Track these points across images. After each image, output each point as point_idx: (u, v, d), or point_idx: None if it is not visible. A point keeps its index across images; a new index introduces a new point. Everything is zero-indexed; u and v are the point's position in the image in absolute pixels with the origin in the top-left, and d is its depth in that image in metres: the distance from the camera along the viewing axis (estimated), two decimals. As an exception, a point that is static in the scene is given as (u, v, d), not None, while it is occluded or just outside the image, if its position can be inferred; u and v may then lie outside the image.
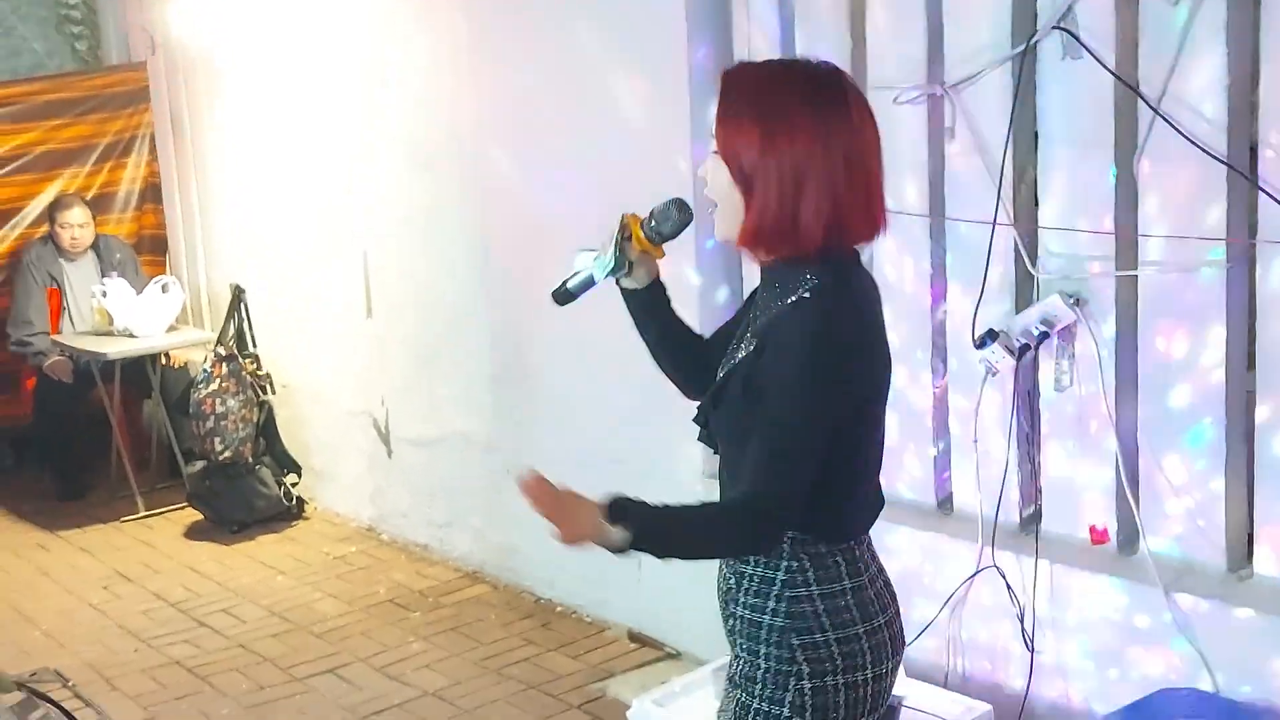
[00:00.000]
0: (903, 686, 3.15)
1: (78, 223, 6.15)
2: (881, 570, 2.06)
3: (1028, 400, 3.22)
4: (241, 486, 5.64)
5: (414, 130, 4.94)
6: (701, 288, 3.85)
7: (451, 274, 4.89)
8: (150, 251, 6.74)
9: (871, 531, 2.06)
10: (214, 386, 5.61)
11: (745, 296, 2.20)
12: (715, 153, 1.92)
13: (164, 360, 6.19)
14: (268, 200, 5.91)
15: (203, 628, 4.67)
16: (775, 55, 3.60)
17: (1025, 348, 3.11)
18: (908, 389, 3.41)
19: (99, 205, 6.46)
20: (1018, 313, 3.17)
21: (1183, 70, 2.79)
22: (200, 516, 5.72)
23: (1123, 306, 3.02)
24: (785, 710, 1.95)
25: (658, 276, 2.15)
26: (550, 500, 1.88)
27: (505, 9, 4.44)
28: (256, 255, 6.03)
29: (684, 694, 3.28)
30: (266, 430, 5.78)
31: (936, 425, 3.44)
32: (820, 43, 3.49)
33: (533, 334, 4.54)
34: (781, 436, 1.85)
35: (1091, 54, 2.91)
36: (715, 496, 2.06)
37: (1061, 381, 3.11)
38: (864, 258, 3.41)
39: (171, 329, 6.09)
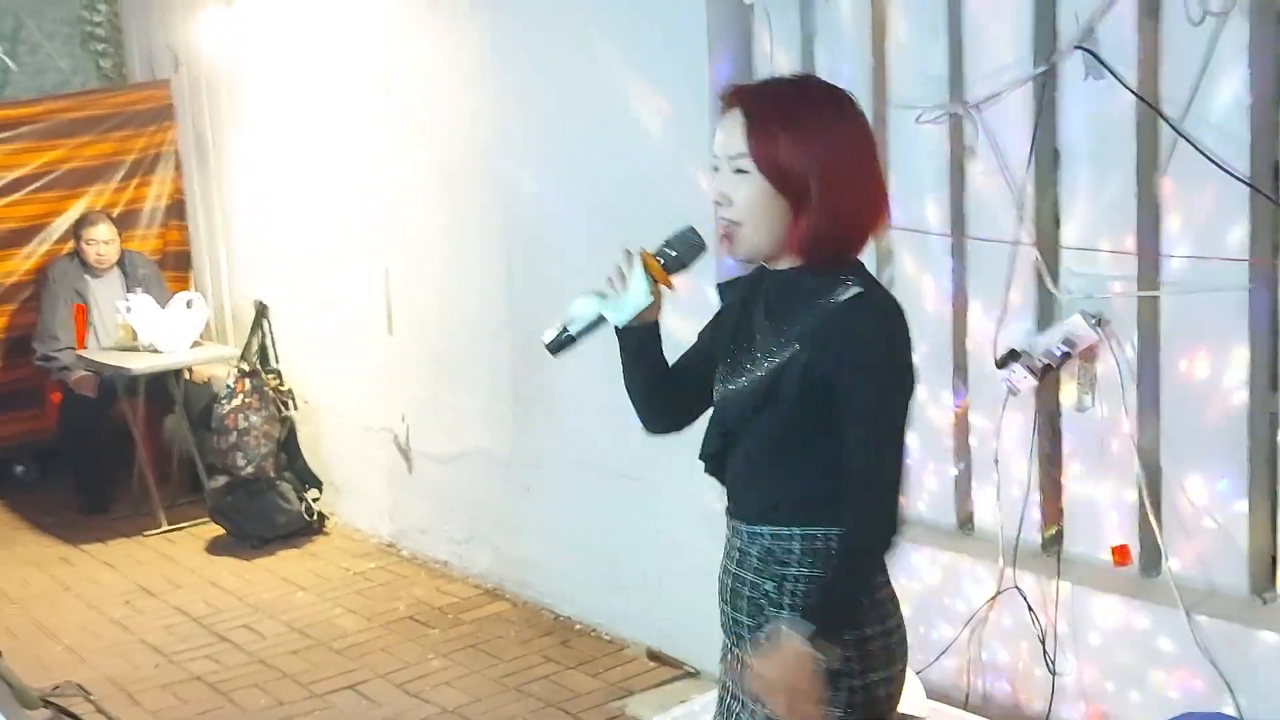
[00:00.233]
0: (923, 707, 3.14)
1: (103, 239, 6.21)
2: None
3: (1049, 420, 3.21)
4: (263, 502, 5.66)
5: (436, 147, 4.97)
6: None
7: (472, 290, 4.90)
8: (174, 267, 6.79)
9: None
10: (237, 402, 5.65)
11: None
12: (739, 171, 1.93)
13: (187, 375, 6.23)
14: (290, 216, 5.94)
15: (224, 643, 4.69)
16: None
17: (1047, 368, 3.10)
18: (928, 408, 3.40)
19: (124, 222, 6.52)
20: (1039, 332, 3.15)
21: (1205, 90, 2.78)
22: (222, 531, 5.75)
23: (1145, 327, 3.00)
24: (839, 711, 1.95)
25: (658, 313, 2.13)
26: (785, 695, 1.89)
27: (527, 27, 4.46)
28: (279, 271, 6.06)
29: (703, 713, 3.27)
30: (288, 446, 5.81)
31: (957, 445, 3.42)
32: (842, 61, 3.50)
33: (553, 351, 4.53)
34: (885, 425, 1.93)
35: (1113, 74, 2.90)
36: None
37: (1083, 402, 3.10)
38: (884, 278, 3.45)
39: (195, 345, 6.14)
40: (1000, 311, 3.18)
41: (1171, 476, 2.98)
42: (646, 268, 2.06)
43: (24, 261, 6.49)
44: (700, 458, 2.12)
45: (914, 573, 3.38)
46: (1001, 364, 3.14)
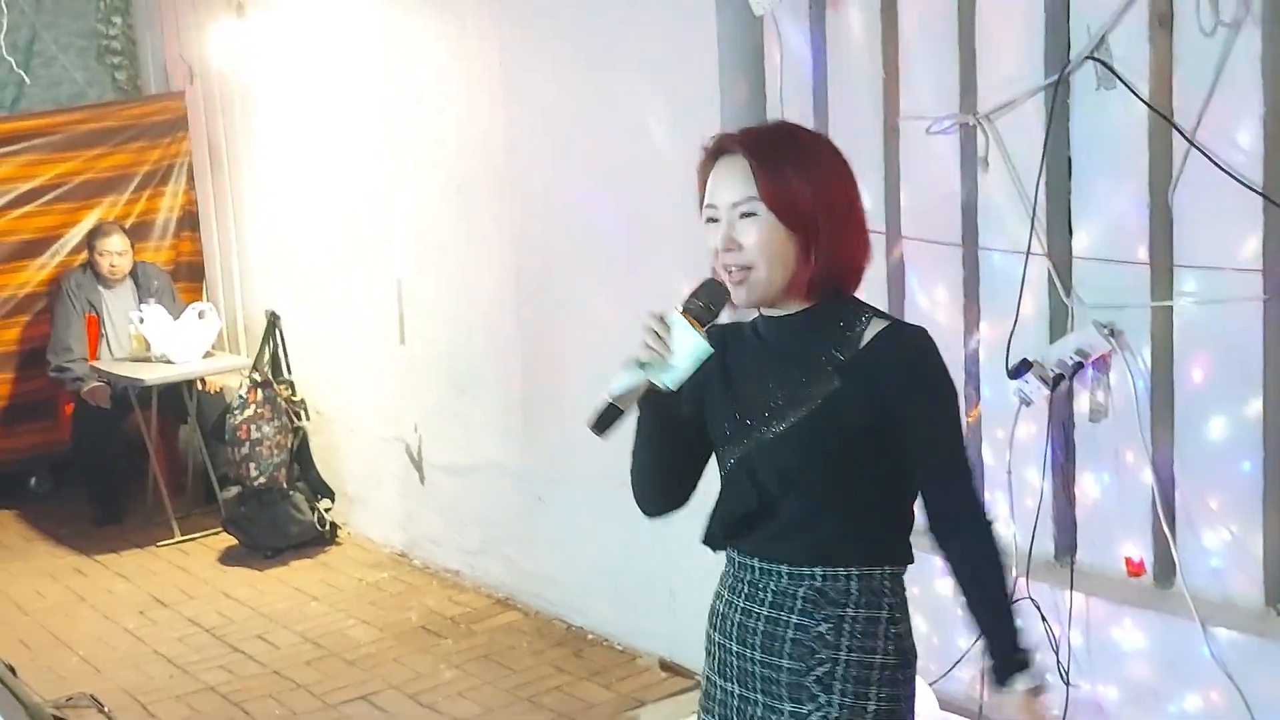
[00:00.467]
0: (937, 719, 3.13)
1: (116, 250, 6.22)
2: None
3: (1062, 431, 3.20)
4: (276, 512, 5.67)
5: (448, 159, 4.98)
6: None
7: (485, 302, 4.91)
8: (187, 278, 6.81)
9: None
10: (249, 412, 5.66)
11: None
12: (746, 215, 1.92)
13: (200, 386, 6.24)
14: (303, 227, 5.96)
15: (237, 653, 4.69)
16: (807, 88, 3.62)
17: (1060, 378, 3.09)
18: (941, 419, 3.39)
19: (137, 233, 6.54)
20: (1052, 342, 3.15)
21: (1218, 100, 2.77)
22: (234, 542, 5.76)
23: (1158, 337, 2.99)
24: (883, 705, 1.96)
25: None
26: None
27: (539, 40, 4.47)
28: (291, 282, 6.08)
29: (716, 725, 3.26)
30: (300, 456, 5.82)
31: (970, 455, 3.41)
32: (853, 73, 3.50)
33: (565, 361, 4.55)
34: (960, 446, 2.00)
35: (1125, 84, 2.90)
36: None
37: (1097, 412, 3.09)
38: (896, 289, 3.44)
39: (208, 355, 6.15)
40: (1012, 321, 3.17)
41: (1185, 487, 2.97)
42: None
43: (38, 273, 6.51)
44: (721, 526, 2.05)
45: (927, 584, 3.37)
46: (1014, 374, 3.14)
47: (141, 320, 6.06)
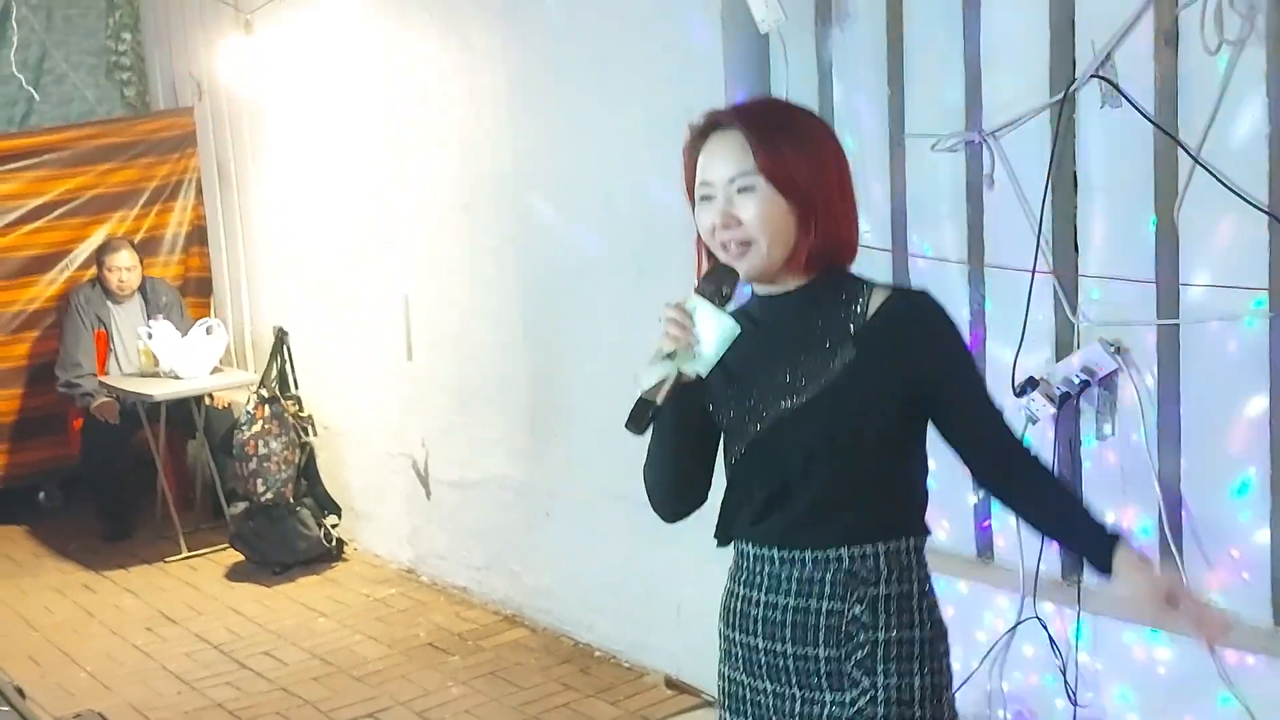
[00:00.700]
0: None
1: (125, 266, 6.24)
2: None
3: (1069, 449, 3.19)
4: (283, 528, 5.68)
5: (455, 175, 4.99)
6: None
7: (491, 318, 4.92)
8: (195, 294, 6.83)
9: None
10: (257, 428, 5.67)
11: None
12: (744, 190, 1.88)
13: (208, 401, 6.26)
14: (310, 243, 5.98)
15: (244, 670, 4.69)
16: (814, 103, 3.62)
17: (1066, 396, 3.09)
18: (947, 436, 3.38)
19: (146, 248, 6.56)
20: (1058, 360, 3.15)
21: (1223, 118, 2.77)
22: (242, 558, 5.76)
23: (1165, 355, 2.99)
24: (928, 679, 1.92)
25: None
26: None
27: (544, 54, 4.48)
28: (299, 297, 6.09)
29: (722, 744, 3.25)
30: (308, 471, 5.83)
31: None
32: (858, 90, 3.51)
33: (571, 377, 4.55)
34: (990, 394, 2.00)
35: (1131, 102, 2.90)
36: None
37: (1103, 430, 3.08)
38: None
39: (216, 370, 6.17)
40: (1018, 339, 3.17)
41: (1193, 506, 2.96)
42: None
43: (47, 288, 6.54)
44: (739, 513, 2.00)
45: (934, 601, 3.36)
46: (1020, 392, 3.13)
47: (150, 336, 6.08)
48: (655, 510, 2.08)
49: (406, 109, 5.17)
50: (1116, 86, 2.92)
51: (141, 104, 7.23)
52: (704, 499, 2.05)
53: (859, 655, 1.90)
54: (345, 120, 5.58)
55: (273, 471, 5.66)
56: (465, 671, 4.54)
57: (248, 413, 5.74)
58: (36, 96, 6.98)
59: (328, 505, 5.85)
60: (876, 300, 1.92)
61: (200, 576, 5.75)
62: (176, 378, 6.03)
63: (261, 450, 5.65)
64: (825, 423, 1.89)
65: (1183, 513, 2.99)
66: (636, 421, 1.85)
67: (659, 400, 1.85)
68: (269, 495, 5.65)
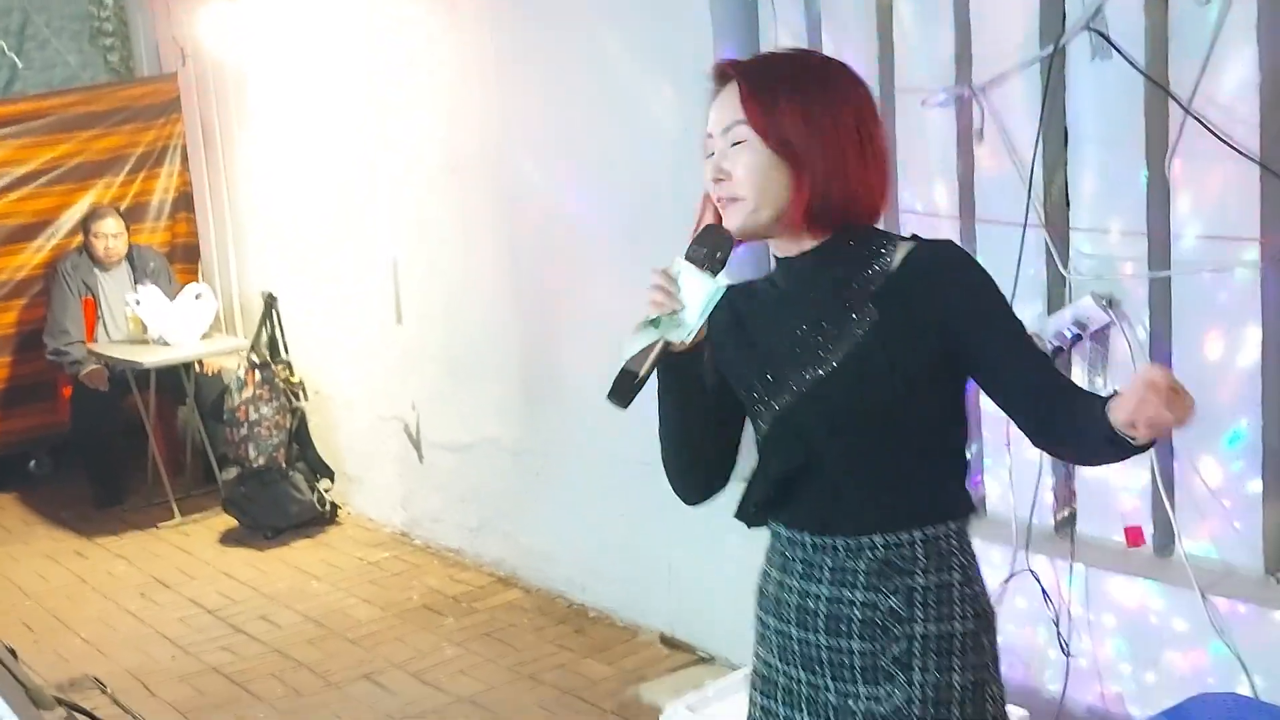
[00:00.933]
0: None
1: (112, 233, 6.21)
2: None
3: (1061, 402, 3.20)
4: (275, 492, 5.68)
5: (443, 138, 4.97)
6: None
7: (481, 280, 4.91)
8: (183, 260, 6.80)
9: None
10: (248, 394, 5.66)
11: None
12: (736, 143, 1.79)
13: (198, 368, 6.24)
14: (298, 208, 5.95)
15: (239, 634, 4.71)
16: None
17: (1058, 349, 3.09)
18: (939, 392, 3.39)
19: (132, 215, 6.52)
20: (1050, 314, 3.15)
21: (1214, 70, 2.76)
22: (235, 522, 5.77)
23: (1156, 307, 2.99)
24: (971, 663, 1.80)
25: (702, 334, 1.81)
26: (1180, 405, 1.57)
27: (532, 17, 4.45)
28: (288, 263, 6.07)
29: (717, 699, 3.28)
30: (299, 436, 5.83)
31: (969, 428, 3.41)
32: (847, 45, 3.49)
33: (562, 339, 4.55)
34: (1030, 340, 1.82)
35: (1122, 54, 2.89)
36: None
37: (1095, 383, 3.09)
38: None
39: (205, 337, 6.14)
40: (1010, 293, 3.17)
41: (1185, 457, 2.98)
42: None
43: (34, 256, 6.50)
44: (763, 494, 1.86)
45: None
46: (1012, 347, 3.13)
47: (138, 302, 6.06)
48: (676, 494, 1.96)
49: (393, 71, 5.14)
50: (1107, 38, 2.91)
51: (125, 69, 7.17)
52: (724, 484, 1.94)
53: (895, 650, 1.78)
54: (331, 83, 5.54)
55: (264, 437, 5.65)
56: (460, 633, 4.56)
57: (238, 378, 5.73)
58: (19, 63, 6.92)
59: (320, 469, 5.85)
60: (899, 255, 1.79)
61: (193, 542, 5.75)
62: (166, 344, 6.01)
63: (253, 416, 5.64)
64: (852, 388, 1.77)
65: (1175, 464, 3.00)
66: (619, 393, 1.74)
67: (642, 371, 1.74)
68: (261, 460, 5.65)
